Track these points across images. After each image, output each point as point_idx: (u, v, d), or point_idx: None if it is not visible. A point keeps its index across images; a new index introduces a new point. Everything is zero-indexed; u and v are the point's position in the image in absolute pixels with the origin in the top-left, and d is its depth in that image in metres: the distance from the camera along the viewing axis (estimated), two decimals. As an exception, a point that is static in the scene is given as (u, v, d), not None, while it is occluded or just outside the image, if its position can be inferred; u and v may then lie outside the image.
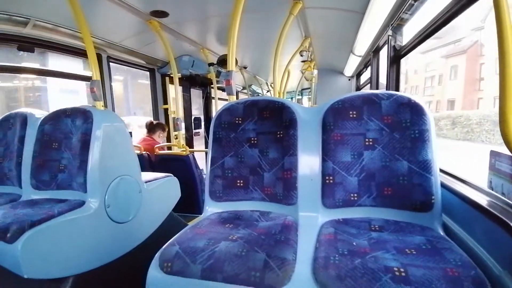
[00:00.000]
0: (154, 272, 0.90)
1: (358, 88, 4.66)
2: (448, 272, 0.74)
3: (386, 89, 2.24)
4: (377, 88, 2.95)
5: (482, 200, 0.91)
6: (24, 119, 1.73)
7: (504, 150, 0.81)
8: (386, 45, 2.22)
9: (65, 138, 1.60)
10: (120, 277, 1.55)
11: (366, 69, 3.80)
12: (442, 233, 1.02)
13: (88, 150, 1.50)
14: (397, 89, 2.18)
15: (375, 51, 2.85)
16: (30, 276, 1.17)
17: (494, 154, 0.91)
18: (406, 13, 1.87)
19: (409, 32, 2.02)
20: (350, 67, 4.39)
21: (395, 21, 2.01)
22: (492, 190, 0.93)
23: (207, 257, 0.88)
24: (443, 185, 1.12)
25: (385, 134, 1.16)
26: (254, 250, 0.89)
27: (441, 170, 1.21)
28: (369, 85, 3.29)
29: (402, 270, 0.75)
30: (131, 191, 1.68)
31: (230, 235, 1.00)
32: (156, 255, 0.94)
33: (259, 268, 0.83)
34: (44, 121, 1.66)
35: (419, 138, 1.11)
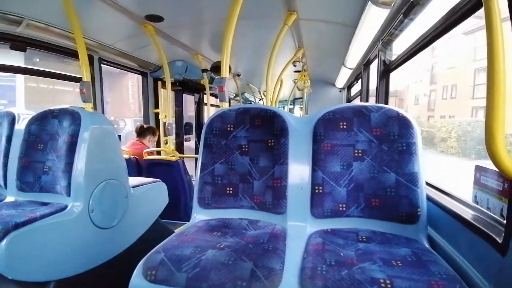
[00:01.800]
0: (137, 280, 0.87)
1: (349, 99, 4.74)
2: (433, 285, 0.74)
3: (376, 102, 2.29)
4: (367, 101, 3.01)
5: (468, 214, 0.93)
6: (12, 119, 1.69)
7: (489, 165, 0.83)
8: (377, 59, 2.27)
9: (51, 139, 1.56)
10: (103, 284, 1.50)
11: (357, 82, 3.88)
12: (427, 245, 1.03)
13: (74, 152, 1.46)
14: (386, 102, 2.23)
15: (365, 64, 2.92)
16: (14, 277, 1.16)
17: (479, 169, 0.94)
18: (396, 29, 1.93)
19: (398, 47, 2.09)
20: (342, 79, 4.47)
21: (385, 36, 2.07)
22: (477, 205, 0.95)
23: (193, 265, 0.86)
24: (429, 198, 1.13)
25: (374, 146, 1.18)
26: (241, 259, 0.88)
27: (427, 183, 1.23)
28: (359, 97, 3.36)
29: (388, 282, 0.75)
30: (117, 196, 1.64)
31: (217, 243, 0.99)
32: (140, 262, 0.92)
33: (245, 278, 0.81)
34: (31, 121, 1.62)
35: (406, 151, 1.13)
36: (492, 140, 0.68)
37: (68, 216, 1.38)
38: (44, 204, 1.42)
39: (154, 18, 2.26)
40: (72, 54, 2.47)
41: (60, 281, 1.31)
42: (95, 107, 2.69)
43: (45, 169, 1.53)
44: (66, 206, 1.41)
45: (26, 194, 1.53)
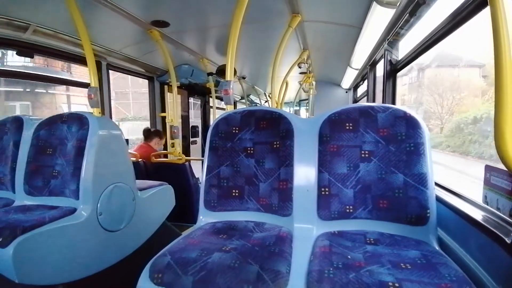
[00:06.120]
0: (143, 283, 0.88)
1: (355, 100, 4.71)
2: (443, 287, 0.72)
3: (383, 102, 2.27)
4: (373, 101, 2.98)
5: (478, 214, 0.90)
6: (20, 124, 1.72)
7: (499, 165, 0.81)
8: (383, 59, 2.25)
9: (60, 144, 1.59)
10: (110, 287, 1.51)
11: (363, 82, 3.85)
12: (437, 247, 1.01)
13: (83, 156, 1.49)
14: (393, 102, 2.21)
15: (372, 64, 2.90)
16: (21, 281, 1.16)
17: (489, 169, 0.92)
18: (402, 29, 1.91)
19: (405, 47, 2.06)
20: (348, 80, 4.44)
21: (391, 36, 2.05)
22: (487, 205, 0.92)
23: (199, 268, 0.86)
24: (439, 199, 1.11)
25: (381, 146, 1.17)
26: (247, 262, 0.87)
27: (437, 184, 1.21)
28: (366, 97, 3.33)
29: (397, 285, 0.74)
30: (125, 199, 1.66)
31: (223, 246, 0.99)
32: (146, 265, 0.92)
33: (252, 281, 0.81)
34: (40, 126, 1.65)
35: (414, 152, 1.11)
36: (501, 139, 0.66)
37: (77, 219, 1.40)
38: (52, 207, 1.44)
39: (160, 24, 2.29)
40: (80, 60, 2.52)
41: (68, 284, 1.33)
42: (103, 112, 2.74)
43: (54, 173, 1.55)
44: (75, 209, 1.43)
45: (35, 198, 1.56)
